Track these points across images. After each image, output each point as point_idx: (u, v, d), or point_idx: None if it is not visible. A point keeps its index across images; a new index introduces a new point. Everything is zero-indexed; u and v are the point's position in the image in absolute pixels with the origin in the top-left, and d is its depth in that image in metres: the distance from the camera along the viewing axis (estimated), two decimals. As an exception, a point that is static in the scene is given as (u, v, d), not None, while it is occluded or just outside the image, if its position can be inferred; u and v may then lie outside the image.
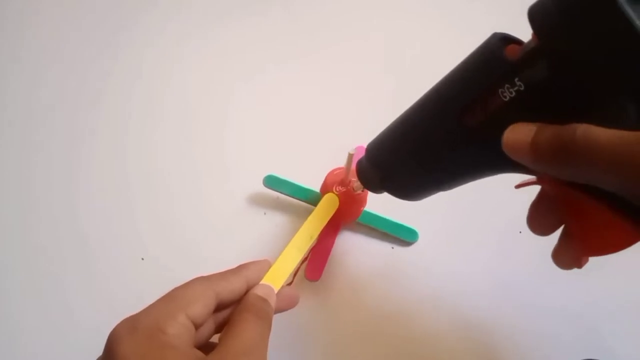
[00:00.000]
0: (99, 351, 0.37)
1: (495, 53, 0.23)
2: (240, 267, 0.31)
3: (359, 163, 0.33)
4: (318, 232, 0.36)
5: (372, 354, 0.38)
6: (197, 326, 0.27)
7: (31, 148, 0.46)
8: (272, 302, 0.30)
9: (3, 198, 0.44)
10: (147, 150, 0.46)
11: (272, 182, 0.43)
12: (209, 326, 0.29)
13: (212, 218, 0.43)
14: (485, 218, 0.43)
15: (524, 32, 0.24)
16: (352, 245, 0.42)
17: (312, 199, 0.41)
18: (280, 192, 0.43)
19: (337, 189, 0.38)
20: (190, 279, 0.29)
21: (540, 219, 0.27)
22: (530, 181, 0.25)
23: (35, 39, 0.52)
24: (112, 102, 0.49)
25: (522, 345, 0.38)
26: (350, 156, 0.35)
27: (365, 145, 0.32)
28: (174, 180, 0.45)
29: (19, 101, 0.49)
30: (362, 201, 0.40)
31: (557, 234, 0.27)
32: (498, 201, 0.42)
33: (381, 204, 0.39)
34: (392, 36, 0.52)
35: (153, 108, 0.48)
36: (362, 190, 0.36)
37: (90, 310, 0.40)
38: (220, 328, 0.30)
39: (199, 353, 0.26)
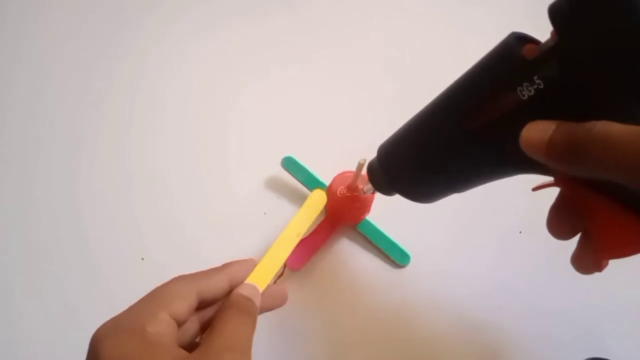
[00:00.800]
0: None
1: (514, 51, 0.23)
2: (224, 266, 0.31)
3: (370, 165, 0.33)
4: (305, 230, 0.35)
5: (372, 357, 0.38)
6: (179, 323, 0.27)
7: (33, 149, 0.46)
8: (257, 301, 0.30)
9: (4, 198, 0.44)
10: (148, 151, 0.46)
11: (289, 164, 0.43)
12: (194, 325, 0.29)
13: (212, 218, 0.43)
14: (486, 219, 0.43)
15: (526, 32, 0.24)
16: (352, 248, 0.42)
17: None
18: (294, 177, 0.43)
19: (341, 191, 0.38)
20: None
21: (559, 222, 0.26)
22: (547, 183, 0.25)
23: (37, 41, 0.52)
24: (114, 102, 0.49)
25: (522, 346, 0.38)
26: (360, 165, 0.35)
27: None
28: (175, 181, 0.45)
29: (21, 102, 0.49)
30: (364, 208, 0.39)
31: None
32: (498, 202, 0.43)
33: (383, 206, 0.39)
34: (393, 36, 0.52)
35: (155, 109, 0.48)
36: (373, 192, 0.36)
37: (90, 310, 0.39)
38: (205, 327, 0.30)
39: (182, 351, 0.26)
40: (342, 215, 0.39)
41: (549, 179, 0.25)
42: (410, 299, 0.40)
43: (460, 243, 0.42)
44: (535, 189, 0.26)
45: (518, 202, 0.42)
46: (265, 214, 0.43)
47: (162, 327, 0.26)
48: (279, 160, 0.43)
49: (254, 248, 0.41)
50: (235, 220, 0.43)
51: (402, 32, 0.53)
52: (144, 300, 0.28)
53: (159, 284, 0.41)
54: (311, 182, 0.42)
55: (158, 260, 0.41)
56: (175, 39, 0.52)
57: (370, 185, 0.34)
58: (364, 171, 0.35)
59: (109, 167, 0.45)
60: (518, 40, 0.23)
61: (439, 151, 0.27)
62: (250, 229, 0.42)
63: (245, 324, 0.28)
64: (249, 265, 0.32)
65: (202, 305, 0.29)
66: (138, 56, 0.51)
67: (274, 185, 0.44)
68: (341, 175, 0.40)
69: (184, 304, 0.27)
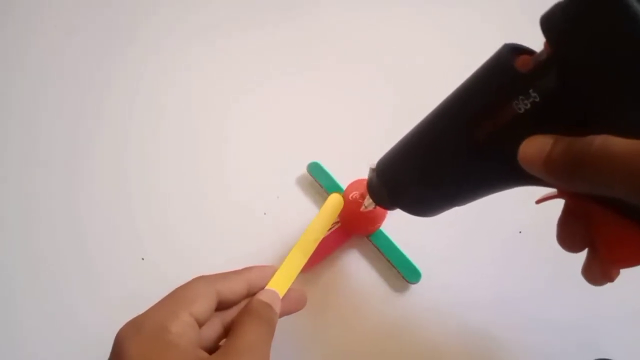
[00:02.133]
0: (99, 350, 0.37)
1: (507, 65, 0.22)
2: (243, 269, 0.31)
3: (370, 179, 0.33)
4: (323, 235, 0.35)
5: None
6: (200, 324, 0.28)
7: (33, 153, 0.46)
8: (277, 307, 0.30)
9: (6, 200, 0.44)
10: (149, 151, 0.46)
11: (314, 169, 0.43)
12: (216, 328, 0.30)
13: (212, 218, 0.43)
14: (485, 221, 0.42)
15: (528, 44, 0.24)
16: (360, 261, 0.41)
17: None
18: (317, 182, 0.43)
19: (353, 196, 0.37)
20: (191, 278, 0.29)
21: (568, 234, 0.26)
22: (551, 195, 0.25)
23: (36, 47, 0.52)
24: (115, 107, 0.49)
25: (525, 356, 0.38)
26: (372, 171, 0.34)
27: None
28: (175, 181, 0.45)
29: (20, 106, 0.49)
30: (377, 217, 0.39)
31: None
32: (502, 208, 0.42)
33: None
34: (394, 45, 0.52)
35: (155, 111, 0.48)
36: (374, 207, 0.36)
37: (90, 310, 0.40)
38: (228, 330, 0.30)
39: (203, 353, 0.26)
40: (355, 222, 0.39)
41: (553, 190, 0.24)
42: (410, 309, 0.39)
43: (460, 248, 0.41)
44: (538, 202, 0.26)
45: (519, 203, 0.42)
46: (265, 214, 0.43)
47: (183, 327, 0.27)
48: (279, 161, 0.43)
49: (254, 248, 0.41)
50: (235, 221, 0.43)
51: (408, 39, 0.53)
52: (165, 300, 0.29)
53: (158, 284, 0.41)
54: (333, 189, 0.42)
55: (158, 260, 0.41)
56: (175, 43, 0.52)
57: (371, 200, 0.34)
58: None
59: (109, 167, 0.45)
60: (511, 52, 0.23)
61: (438, 166, 0.27)
62: (250, 229, 0.42)
63: (263, 328, 0.29)
64: (268, 271, 0.32)
65: (221, 307, 0.30)
66: (137, 62, 0.51)
67: (273, 185, 0.44)
68: (358, 182, 0.39)
69: (204, 303, 0.28)
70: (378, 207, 0.36)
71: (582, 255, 0.26)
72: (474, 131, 0.24)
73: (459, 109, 0.25)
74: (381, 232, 0.40)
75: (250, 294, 0.31)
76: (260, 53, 0.52)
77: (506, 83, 0.22)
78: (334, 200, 0.37)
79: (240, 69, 0.51)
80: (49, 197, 0.44)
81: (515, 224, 0.42)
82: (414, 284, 0.39)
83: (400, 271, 0.39)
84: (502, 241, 0.42)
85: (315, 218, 0.36)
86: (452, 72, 0.26)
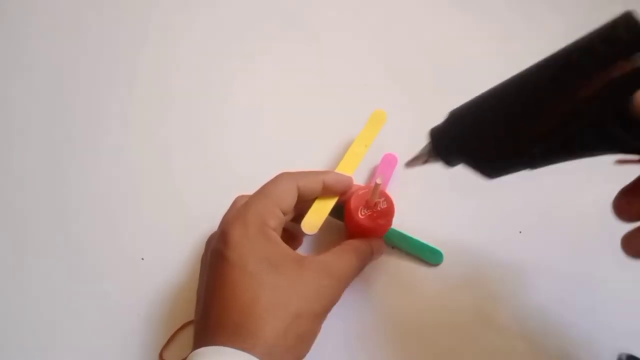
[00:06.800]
0: (99, 349, 0.37)
1: (632, 21, 0.22)
2: (321, 170, 0.36)
3: (436, 131, 0.30)
4: (371, 142, 0.39)
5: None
6: (285, 217, 0.33)
7: (29, 150, 0.46)
8: (350, 181, 0.36)
9: (6, 199, 0.44)
10: (151, 147, 0.46)
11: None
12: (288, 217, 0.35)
13: (212, 217, 0.43)
14: (489, 227, 0.42)
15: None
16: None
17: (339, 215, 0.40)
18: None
19: (363, 213, 0.37)
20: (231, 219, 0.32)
21: (627, 202, 0.26)
22: (635, 159, 0.24)
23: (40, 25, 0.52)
24: (117, 97, 0.47)
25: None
26: (377, 186, 0.34)
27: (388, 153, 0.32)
28: (176, 179, 0.44)
29: (15, 103, 0.48)
30: (387, 224, 0.38)
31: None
32: (502, 208, 0.42)
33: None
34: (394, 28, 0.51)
35: (158, 102, 0.47)
36: (425, 162, 0.33)
37: (89, 310, 0.40)
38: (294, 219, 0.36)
39: (293, 251, 0.32)
40: (369, 233, 0.38)
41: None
42: (408, 311, 0.40)
43: (460, 249, 0.41)
44: (619, 162, 0.25)
45: (519, 203, 0.42)
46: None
47: (278, 222, 0.32)
48: (283, 158, 0.43)
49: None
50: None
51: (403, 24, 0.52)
52: (259, 195, 0.33)
53: (158, 284, 0.41)
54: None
55: (158, 260, 0.41)
56: (171, 39, 0.51)
57: (419, 157, 0.32)
58: (377, 176, 0.35)
59: (108, 164, 0.45)
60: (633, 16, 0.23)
61: (533, 124, 0.25)
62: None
63: (355, 263, 0.34)
64: (342, 176, 0.36)
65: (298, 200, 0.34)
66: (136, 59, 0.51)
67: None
68: (355, 194, 0.38)
69: (290, 200, 0.33)
70: (386, 212, 0.36)
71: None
72: (582, 84, 0.23)
73: (567, 61, 0.24)
74: (393, 229, 0.40)
75: (323, 193, 0.35)
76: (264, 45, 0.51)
77: (630, 38, 0.22)
78: (378, 115, 0.40)
79: (243, 55, 0.49)
80: (48, 192, 0.44)
81: (515, 224, 0.42)
82: (436, 265, 0.41)
83: (422, 256, 0.40)
84: (502, 241, 0.42)
85: (362, 130, 0.39)
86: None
